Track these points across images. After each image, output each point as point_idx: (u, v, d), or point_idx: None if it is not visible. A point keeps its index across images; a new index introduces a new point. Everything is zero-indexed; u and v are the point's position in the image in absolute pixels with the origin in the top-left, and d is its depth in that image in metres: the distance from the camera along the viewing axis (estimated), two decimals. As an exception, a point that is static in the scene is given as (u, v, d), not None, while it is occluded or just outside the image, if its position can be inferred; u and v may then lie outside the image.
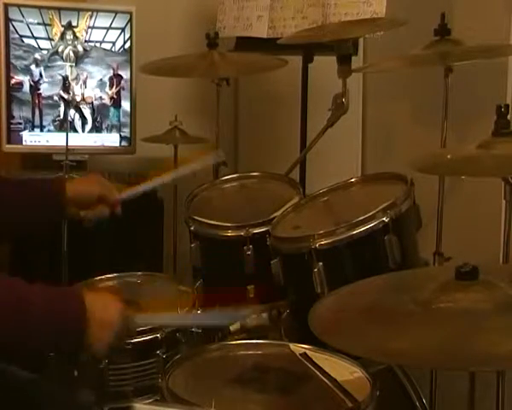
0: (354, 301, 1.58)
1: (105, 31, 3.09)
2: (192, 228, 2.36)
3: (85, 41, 3.08)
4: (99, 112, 3.12)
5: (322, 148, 2.63)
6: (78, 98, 3.09)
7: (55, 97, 3.07)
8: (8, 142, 3.04)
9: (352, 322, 1.47)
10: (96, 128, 3.13)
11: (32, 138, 3.07)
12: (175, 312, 2.00)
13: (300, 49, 2.87)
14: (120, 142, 3.16)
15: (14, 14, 2.97)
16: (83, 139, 3.12)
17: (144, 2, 3.18)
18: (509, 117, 1.80)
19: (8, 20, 2.96)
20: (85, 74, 3.09)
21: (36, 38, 3.02)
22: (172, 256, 2.98)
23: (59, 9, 3.04)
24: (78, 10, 3.07)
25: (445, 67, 2.42)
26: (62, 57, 3.06)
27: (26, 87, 3.03)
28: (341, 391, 1.64)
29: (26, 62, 3.02)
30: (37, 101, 3.05)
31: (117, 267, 2.40)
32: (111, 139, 3.15)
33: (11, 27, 2.98)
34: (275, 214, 2.26)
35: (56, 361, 1.99)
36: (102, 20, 3.08)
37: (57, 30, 3.04)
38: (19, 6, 2.96)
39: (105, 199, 2.11)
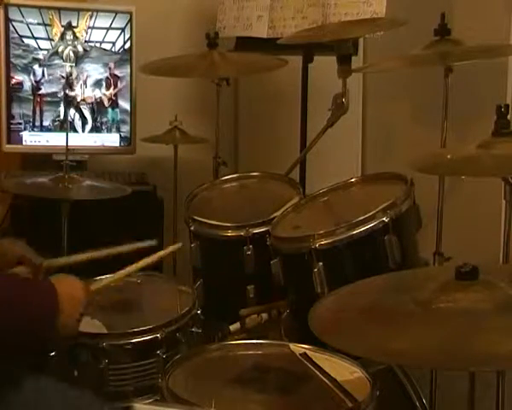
0: (354, 301, 1.58)
1: (105, 31, 3.09)
2: (192, 228, 2.36)
3: (85, 41, 3.08)
4: (99, 112, 3.12)
5: (322, 148, 2.63)
6: (79, 98, 3.09)
7: (55, 97, 3.07)
8: (8, 142, 3.04)
9: (352, 322, 1.47)
10: (96, 128, 3.13)
11: (32, 138, 3.07)
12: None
13: (300, 49, 2.87)
14: (120, 142, 3.16)
15: (14, 14, 2.97)
16: (83, 139, 3.12)
17: (144, 2, 3.18)
18: (509, 117, 1.80)
19: (8, 21, 2.96)
20: (85, 74, 3.09)
21: (36, 39, 3.02)
22: (172, 256, 2.97)
23: (59, 9, 3.04)
24: (78, 10, 3.07)
25: (445, 67, 2.42)
26: (62, 57, 3.06)
27: (26, 87, 3.03)
28: (341, 391, 1.64)
29: (26, 62, 3.02)
30: (37, 101, 3.05)
31: (117, 267, 2.39)
32: (111, 139, 3.15)
33: (11, 27, 2.98)
34: (275, 214, 2.27)
35: (56, 361, 1.99)
36: (102, 21, 3.08)
37: (57, 30, 3.04)
38: (19, 6, 2.96)
39: (26, 262, 2.00)
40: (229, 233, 2.29)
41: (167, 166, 3.01)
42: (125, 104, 3.14)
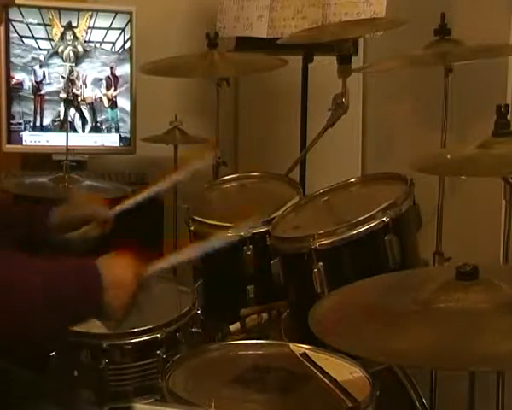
0: (354, 301, 1.58)
1: (105, 31, 3.09)
2: (192, 228, 2.36)
3: (85, 41, 3.08)
4: (99, 112, 3.12)
5: (322, 148, 2.63)
6: (79, 98, 3.09)
7: (56, 97, 3.07)
8: (8, 142, 3.04)
9: (352, 322, 1.47)
10: (96, 128, 3.13)
11: (32, 138, 3.07)
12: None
13: (300, 49, 2.87)
14: (120, 142, 3.16)
15: (14, 14, 2.96)
16: (83, 139, 3.12)
17: (144, 2, 3.18)
18: (509, 117, 1.80)
19: (8, 21, 2.96)
20: (85, 74, 3.09)
21: (36, 39, 3.02)
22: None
23: (59, 9, 3.04)
24: (78, 10, 3.07)
25: (445, 67, 2.42)
26: (62, 57, 3.06)
27: (26, 87, 3.03)
28: (341, 391, 1.64)
29: (26, 62, 3.02)
30: (37, 101, 3.05)
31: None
32: (111, 139, 3.15)
33: (11, 27, 2.98)
34: (275, 214, 2.26)
35: (56, 361, 1.99)
36: (102, 21, 3.08)
37: (57, 30, 3.04)
38: (19, 6, 2.96)
39: (94, 218, 2.06)
40: (230, 233, 2.29)
41: (167, 166, 3.01)
42: (124, 104, 3.14)
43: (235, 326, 2.14)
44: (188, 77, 3.18)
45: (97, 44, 3.09)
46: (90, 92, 3.10)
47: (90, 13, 3.07)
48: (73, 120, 3.09)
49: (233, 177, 2.66)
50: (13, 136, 3.04)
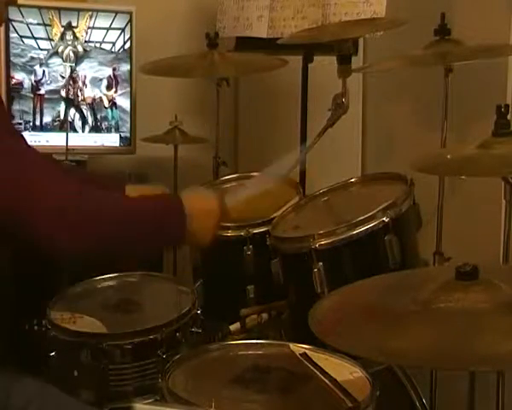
0: (354, 301, 1.58)
1: (105, 31, 3.09)
2: (192, 228, 2.35)
3: (85, 41, 3.07)
4: (99, 112, 3.12)
5: (322, 148, 2.63)
6: (79, 98, 3.09)
7: (56, 97, 3.06)
8: (8, 142, 3.04)
9: (352, 322, 1.47)
10: (96, 128, 3.13)
11: (32, 138, 3.06)
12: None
13: (300, 49, 2.87)
14: (120, 142, 3.15)
15: (14, 14, 2.96)
16: (83, 139, 3.12)
17: (144, 2, 3.18)
18: (509, 117, 1.80)
19: (8, 21, 2.96)
20: (85, 74, 3.09)
21: (36, 39, 3.02)
22: (172, 256, 2.98)
23: (59, 9, 3.04)
24: (78, 10, 3.07)
25: (445, 67, 2.42)
26: (62, 57, 3.06)
27: (26, 87, 3.03)
28: (341, 391, 1.64)
29: (26, 62, 3.02)
30: (37, 101, 3.05)
31: (117, 267, 2.39)
32: (111, 139, 3.15)
33: (11, 28, 2.98)
34: (275, 214, 2.26)
35: (56, 361, 1.99)
36: (102, 21, 3.08)
37: (57, 30, 3.04)
38: (19, 6, 2.96)
39: None
40: (229, 233, 2.29)
41: (167, 166, 3.01)
42: (125, 104, 3.14)
43: (235, 326, 2.14)
44: (188, 77, 3.17)
45: (97, 44, 3.09)
46: (90, 92, 3.10)
47: (90, 13, 3.07)
48: (73, 120, 3.09)
49: (233, 177, 2.66)
50: (13, 136, 3.04)
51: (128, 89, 3.13)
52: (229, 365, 1.79)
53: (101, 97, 3.11)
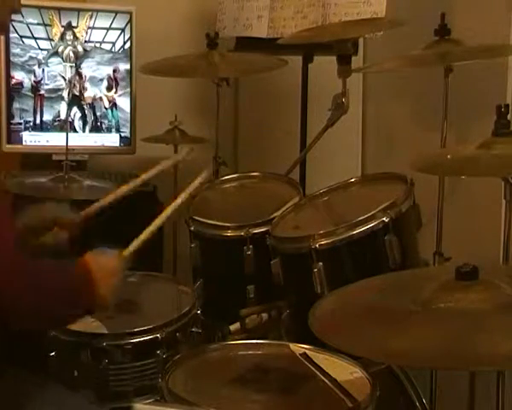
0: (354, 301, 1.58)
1: (105, 31, 3.09)
2: (192, 228, 2.36)
3: (85, 41, 3.07)
4: (99, 112, 3.12)
5: (322, 148, 2.63)
6: (84, 95, 3.09)
7: (55, 97, 3.07)
8: (8, 142, 3.04)
9: (352, 322, 1.47)
10: (96, 128, 3.13)
11: (32, 138, 3.06)
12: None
13: (300, 49, 2.86)
14: (120, 142, 3.15)
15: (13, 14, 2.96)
16: (83, 139, 3.12)
17: (144, 2, 3.18)
18: (509, 117, 1.80)
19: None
20: (85, 75, 3.09)
21: (36, 39, 3.02)
22: (172, 256, 2.98)
23: (59, 10, 3.04)
24: (78, 10, 3.07)
25: (445, 67, 2.42)
26: (62, 58, 3.06)
27: (27, 87, 3.03)
28: (341, 391, 1.64)
29: (26, 62, 3.02)
30: (37, 101, 3.05)
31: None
32: (111, 139, 3.15)
33: (11, 27, 2.97)
34: (275, 214, 2.27)
35: (56, 361, 1.99)
36: (102, 21, 3.08)
37: (57, 30, 3.04)
38: (19, 6, 2.96)
39: (61, 222, 2.06)
40: (229, 233, 2.29)
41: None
42: (125, 104, 3.14)
43: (235, 326, 2.14)
44: (188, 77, 3.18)
45: (97, 44, 3.09)
46: (90, 92, 3.10)
47: (90, 13, 3.07)
48: (73, 120, 3.09)
49: (233, 177, 2.66)
50: (13, 136, 3.04)
51: (128, 89, 3.13)
52: (229, 365, 1.80)
53: (101, 97, 3.11)
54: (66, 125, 2.99)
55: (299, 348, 1.83)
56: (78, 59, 3.07)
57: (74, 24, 3.05)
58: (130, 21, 3.10)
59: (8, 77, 3.01)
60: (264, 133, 3.45)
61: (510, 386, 1.89)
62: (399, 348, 1.33)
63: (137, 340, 1.97)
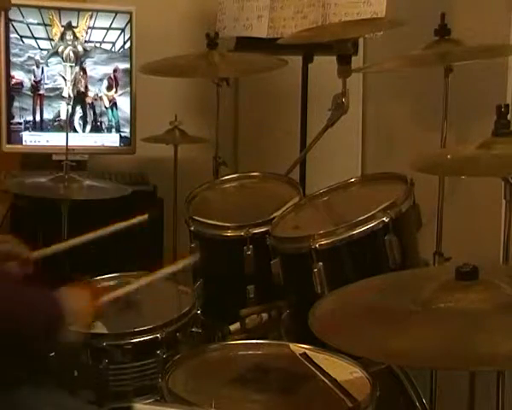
0: (354, 301, 1.58)
1: (105, 31, 3.09)
2: (192, 228, 2.36)
3: (85, 41, 3.08)
4: (99, 112, 3.12)
5: (322, 148, 2.63)
6: (87, 93, 3.09)
7: (55, 97, 3.07)
8: (9, 142, 3.04)
9: (352, 322, 1.47)
10: (96, 128, 3.13)
11: (32, 138, 3.07)
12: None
13: (300, 49, 2.87)
14: (120, 142, 3.16)
15: (14, 14, 2.96)
16: (83, 139, 3.12)
17: (144, 2, 3.18)
18: (509, 117, 1.80)
19: (8, 21, 2.96)
20: (85, 75, 3.09)
21: (36, 39, 3.02)
22: (172, 256, 2.97)
23: (59, 10, 3.04)
24: (78, 10, 3.07)
25: (445, 67, 2.42)
26: (62, 57, 3.06)
27: (27, 87, 3.03)
28: (341, 391, 1.64)
29: (26, 62, 3.02)
30: (37, 101, 3.05)
31: (117, 267, 2.40)
32: (111, 139, 3.15)
33: (11, 28, 2.98)
34: (275, 214, 2.26)
35: (56, 361, 1.99)
36: (102, 21, 3.08)
37: (57, 30, 3.04)
38: (19, 6, 2.96)
39: (11, 258, 2.03)
40: (229, 233, 2.29)
41: (167, 166, 3.01)
42: (125, 104, 3.14)
43: (235, 326, 2.14)
44: (188, 77, 3.18)
45: (97, 44, 3.09)
46: (91, 92, 3.11)
47: (90, 13, 3.07)
48: (73, 120, 3.09)
49: (233, 177, 2.66)
50: (13, 136, 3.05)
51: (128, 89, 3.13)
52: (229, 365, 1.79)
53: (101, 97, 3.12)
54: (66, 125, 2.99)
55: (299, 348, 1.83)
56: (79, 59, 3.07)
57: (74, 24, 3.06)
58: (130, 21, 3.10)
59: (8, 77, 3.01)
60: (264, 133, 3.45)
61: (510, 386, 1.89)
62: (399, 348, 1.33)
63: (137, 340, 1.97)
